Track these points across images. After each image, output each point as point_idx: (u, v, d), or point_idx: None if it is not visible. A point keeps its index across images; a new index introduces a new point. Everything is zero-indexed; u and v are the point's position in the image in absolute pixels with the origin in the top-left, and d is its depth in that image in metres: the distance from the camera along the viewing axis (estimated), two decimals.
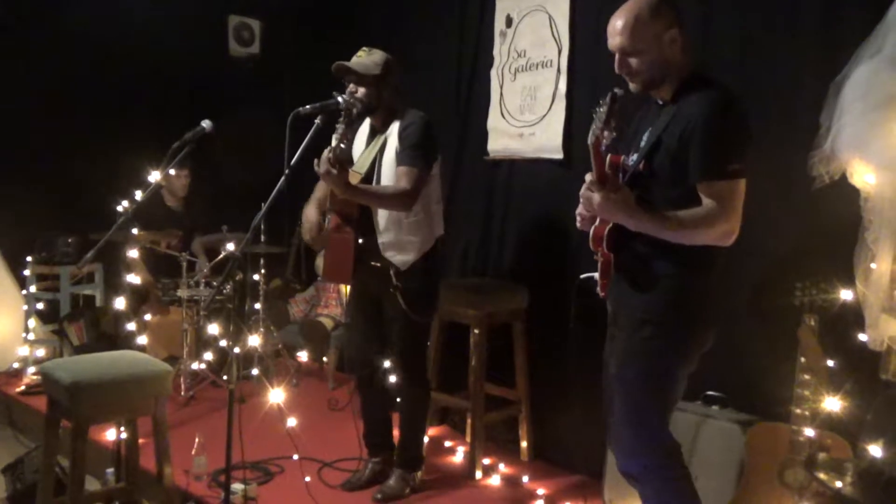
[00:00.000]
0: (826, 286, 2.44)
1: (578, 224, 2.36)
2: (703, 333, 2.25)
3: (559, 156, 3.81)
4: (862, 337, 2.33)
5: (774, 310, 2.60)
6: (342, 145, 2.81)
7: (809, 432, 2.40)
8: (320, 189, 3.29)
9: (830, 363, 2.44)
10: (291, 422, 3.36)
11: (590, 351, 2.63)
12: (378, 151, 3.09)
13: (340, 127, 2.83)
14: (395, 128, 3.05)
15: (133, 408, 2.90)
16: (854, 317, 2.37)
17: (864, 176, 2.20)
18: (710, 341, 2.27)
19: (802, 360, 2.43)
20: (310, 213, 3.29)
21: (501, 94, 4.18)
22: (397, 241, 3.01)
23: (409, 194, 2.92)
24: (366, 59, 3.03)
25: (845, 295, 2.40)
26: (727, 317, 2.43)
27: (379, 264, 3.05)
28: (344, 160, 2.86)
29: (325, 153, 2.81)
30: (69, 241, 4.97)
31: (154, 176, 3.39)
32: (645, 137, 2.27)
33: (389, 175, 3.02)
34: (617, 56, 2.25)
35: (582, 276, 2.53)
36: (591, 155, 2.12)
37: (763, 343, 2.81)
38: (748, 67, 3.00)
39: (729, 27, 3.09)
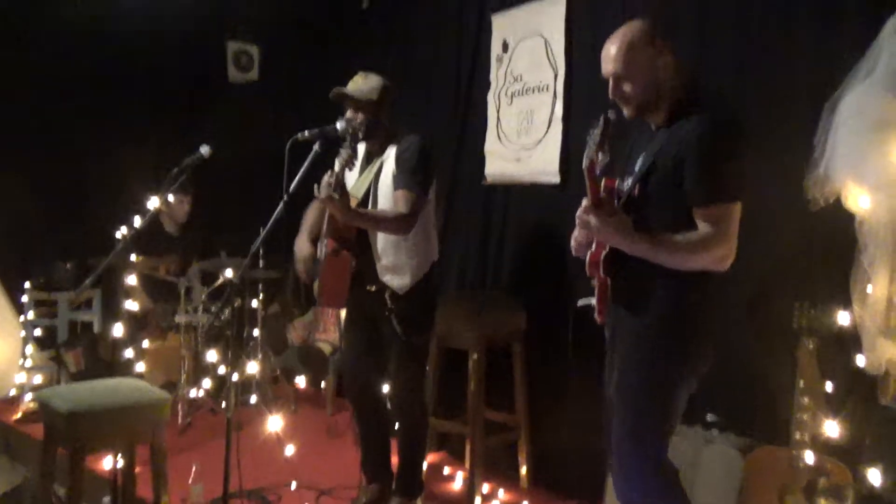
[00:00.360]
0: (823, 308, 2.44)
1: (574, 250, 2.36)
2: (701, 349, 2.24)
3: (556, 179, 3.82)
4: (860, 360, 2.32)
5: (772, 331, 2.59)
6: (348, 169, 2.83)
7: (809, 457, 2.39)
8: (309, 218, 3.29)
9: (829, 386, 2.43)
10: (289, 450, 3.34)
11: (589, 376, 2.62)
12: (374, 176, 3.10)
13: (345, 151, 2.84)
14: (391, 152, 3.06)
15: (130, 436, 2.88)
16: (852, 339, 2.36)
17: (858, 198, 2.21)
18: (709, 361, 2.26)
19: (801, 382, 2.42)
20: (301, 245, 3.26)
21: (498, 118, 4.21)
22: (395, 264, 3.02)
23: (408, 218, 2.93)
24: (362, 84, 3.05)
25: (843, 317, 2.40)
26: (725, 339, 2.42)
27: (374, 288, 3.05)
28: (343, 183, 2.87)
29: (326, 178, 2.82)
30: (67, 266, 4.97)
31: (153, 202, 3.40)
32: (639, 162, 2.28)
33: (386, 199, 3.03)
34: (611, 81, 2.27)
35: (579, 302, 2.53)
36: (585, 179, 2.13)
37: (762, 365, 2.80)
38: (743, 90, 3.02)
39: (724, 50, 3.12)
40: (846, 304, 2.35)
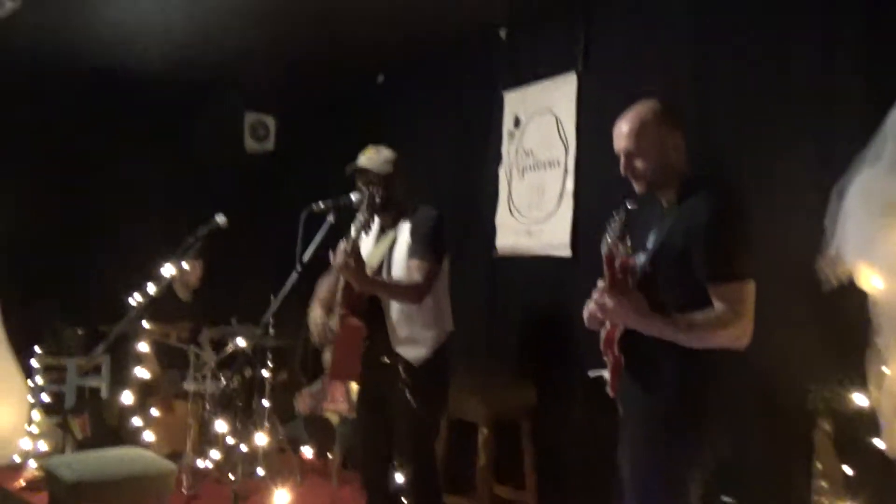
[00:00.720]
0: (840, 389, 2.41)
1: (586, 322, 2.36)
2: (717, 437, 2.20)
3: (567, 253, 3.85)
4: (878, 442, 2.28)
5: (788, 413, 2.56)
6: (364, 234, 2.84)
7: None
8: (323, 288, 3.29)
9: (847, 469, 2.38)
10: None
11: (600, 451, 2.58)
12: (388, 247, 3.12)
13: (361, 216, 2.86)
14: (405, 224, 3.09)
15: None
16: (869, 422, 2.33)
17: (871, 280, 2.21)
18: (725, 445, 2.22)
19: (819, 465, 2.38)
20: (316, 314, 3.27)
21: (510, 192, 4.26)
22: (411, 335, 3.00)
23: (422, 287, 2.93)
24: (376, 157, 3.09)
25: (859, 399, 2.37)
26: (740, 421, 2.39)
27: (388, 360, 3.02)
28: (359, 251, 2.88)
29: (341, 245, 2.84)
30: (78, 332, 4.99)
31: (167, 269, 3.43)
32: (651, 239, 2.29)
33: (400, 270, 3.04)
34: (622, 158, 2.30)
35: (591, 373, 2.51)
36: (603, 264, 2.15)
37: (777, 447, 2.75)
38: (750, 172, 3.06)
39: (727, 134, 3.17)
40: (862, 385, 2.33)
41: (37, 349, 4.90)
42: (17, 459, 4.63)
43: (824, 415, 2.40)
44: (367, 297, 3.01)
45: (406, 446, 3.03)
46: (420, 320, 3.00)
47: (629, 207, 2.10)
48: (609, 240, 2.10)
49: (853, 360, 2.35)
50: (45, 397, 4.91)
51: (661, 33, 3.52)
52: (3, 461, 4.65)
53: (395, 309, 3.02)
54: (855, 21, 2.80)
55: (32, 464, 4.45)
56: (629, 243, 2.10)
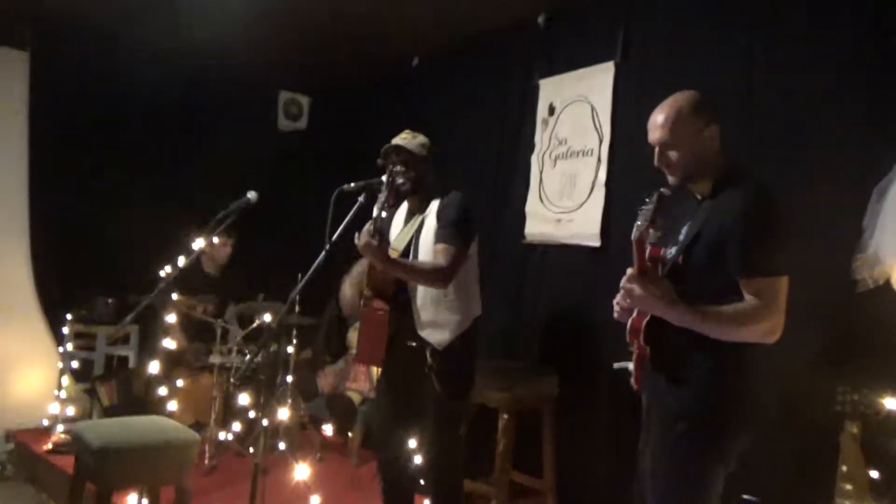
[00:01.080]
0: (869, 392, 2.38)
1: (616, 314, 2.34)
2: (740, 434, 2.18)
3: (596, 243, 3.82)
4: None
5: (814, 413, 2.53)
6: (383, 214, 2.84)
7: None
8: (357, 269, 3.30)
9: (873, 473, 2.35)
10: (314, 501, 3.30)
11: (622, 443, 2.57)
12: (416, 231, 3.12)
13: (383, 195, 2.86)
14: (433, 208, 3.08)
15: (158, 476, 2.89)
16: None
17: None
18: (748, 442, 2.20)
19: (843, 468, 2.35)
20: (346, 290, 3.29)
21: (541, 180, 4.24)
22: (435, 319, 2.99)
23: (446, 271, 2.92)
24: (412, 140, 3.10)
25: (889, 403, 2.33)
26: (765, 418, 2.36)
27: (414, 343, 3.02)
28: (384, 233, 2.88)
29: (367, 226, 2.84)
30: (108, 301, 5.07)
31: (198, 242, 3.46)
32: (684, 231, 2.27)
33: (426, 255, 3.04)
34: (657, 149, 2.27)
35: (615, 365, 2.49)
36: (633, 250, 2.12)
37: (802, 448, 2.72)
38: (789, 169, 3.01)
39: (771, 129, 3.12)
40: (893, 388, 2.29)
41: (69, 316, 4.98)
42: (46, 423, 4.74)
43: (852, 417, 2.37)
44: (394, 281, 3.01)
45: (431, 434, 3.03)
46: (446, 304, 3.00)
47: (664, 193, 2.06)
48: (640, 224, 2.08)
49: (885, 363, 2.31)
50: (75, 363, 5.00)
51: (705, 26, 3.47)
52: (32, 424, 4.78)
53: (421, 293, 3.01)
54: None
55: (60, 427, 4.54)
56: (659, 228, 2.07)
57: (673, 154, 2.24)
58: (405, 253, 3.12)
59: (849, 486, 2.32)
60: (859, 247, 2.28)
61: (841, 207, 2.69)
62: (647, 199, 2.08)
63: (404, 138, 3.10)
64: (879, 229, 2.19)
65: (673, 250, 2.27)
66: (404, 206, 3.26)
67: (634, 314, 2.26)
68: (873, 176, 2.44)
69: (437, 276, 2.93)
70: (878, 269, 2.21)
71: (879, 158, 2.47)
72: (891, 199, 2.20)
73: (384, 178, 2.95)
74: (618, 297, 2.29)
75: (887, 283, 2.23)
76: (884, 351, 2.35)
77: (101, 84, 5.19)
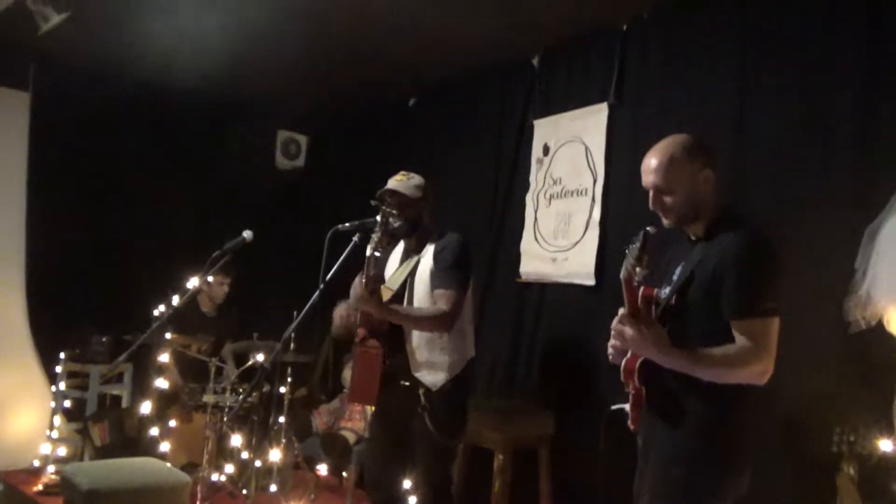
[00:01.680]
0: (865, 434, 2.36)
1: (610, 358, 2.34)
2: (737, 477, 2.16)
3: (591, 282, 3.83)
4: None
5: (811, 456, 2.51)
6: (377, 253, 2.83)
7: None
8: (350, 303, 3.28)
9: None
10: None
11: (618, 484, 2.54)
12: (411, 270, 3.12)
13: (376, 236, 2.86)
14: (429, 249, 3.09)
15: None
16: (895, 468, 2.28)
17: None
18: (745, 486, 2.18)
19: None
20: (340, 309, 3.27)
21: (536, 219, 4.26)
22: (430, 360, 2.99)
23: (449, 316, 2.92)
24: (406, 181, 3.11)
25: (885, 445, 2.32)
26: (762, 459, 2.35)
27: (408, 383, 3.01)
28: (377, 279, 2.88)
29: (358, 279, 2.83)
30: (103, 339, 5.04)
31: (193, 282, 3.46)
32: (678, 272, 2.27)
33: (421, 295, 3.04)
34: (651, 193, 2.29)
35: (613, 407, 2.48)
36: (623, 289, 2.13)
37: (799, 490, 2.70)
38: (780, 211, 3.03)
39: (762, 171, 3.15)
40: (889, 430, 2.28)
41: (62, 355, 4.95)
42: (37, 463, 4.68)
43: (848, 459, 2.35)
44: (388, 321, 3.00)
45: (421, 470, 3.01)
46: (440, 346, 2.99)
47: (649, 231, 2.07)
48: (627, 263, 2.08)
49: (880, 404, 2.31)
50: (67, 403, 4.96)
51: (696, 68, 3.52)
52: (23, 464, 4.72)
53: (414, 335, 3.01)
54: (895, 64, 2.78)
55: (51, 468, 4.49)
56: (647, 267, 2.07)
57: (668, 199, 2.24)
58: (400, 292, 3.12)
59: None
60: (852, 287, 2.28)
61: (833, 248, 2.71)
62: (634, 239, 2.09)
63: (399, 180, 3.10)
64: (871, 270, 2.20)
65: (666, 291, 2.27)
66: (400, 246, 3.27)
67: (629, 355, 2.25)
68: (865, 217, 2.45)
69: (440, 321, 2.92)
70: (870, 310, 2.22)
71: (870, 199, 2.49)
72: (882, 240, 2.21)
73: (378, 217, 2.96)
74: (611, 340, 2.29)
75: (880, 323, 2.24)
76: (879, 392, 2.34)
77: (100, 123, 5.23)
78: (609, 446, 3.14)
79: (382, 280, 3.18)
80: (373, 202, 2.91)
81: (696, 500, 2.14)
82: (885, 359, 2.27)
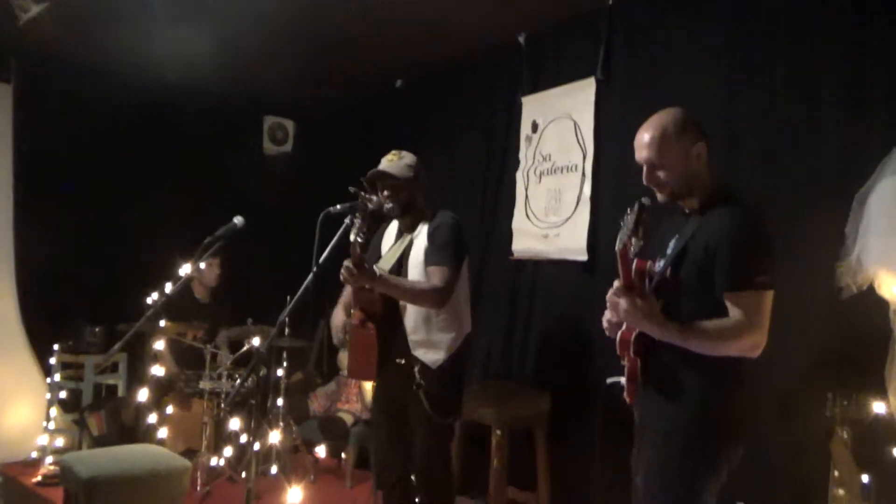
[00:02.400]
0: (858, 397, 2.40)
1: (606, 331, 2.35)
2: (732, 449, 2.18)
3: (583, 257, 3.84)
4: None
5: (805, 421, 2.54)
6: (359, 238, 2.81)
7: None
8: (347, 293, 3.29)
9: (865, 478, 2.36)
10: None
11: (615, 457, 2.57)
12: (405, 250, 3.12)
13: (358, 221, 2.84)
14: (423, 228, 3.09)
15: None
16: (888, 431, 2.31)
17: (892, 288, 2.19)
18: (739, 456, 2.21)
19: (836, 473, 2.36)
20: (336, 316, 3.28)
21: (527, 196, 4.26)
22: (428, 339, 3.00)
23: (442, 292, 2.93)
24: (398, 162, 3.10)
25: (878, 407, 2.35)
26: (757, 429, 2.38)
27: (403, 361, 3.02)
28: (363, 256, 2.86)
29: (346, 262, 2.83)
30: (96, 330, 5.03)
31: (185, 269, 3.45)
32: (671, 245, 2.28)
33: (416, 274, 3.04)
34: (644, 168, 2.29)
35: (609, 380, 2.50)
36: (618, 262, 2.13)
37: (794, 455, 2.74)
38: (771, 179, 3.04)
39: (753, 141, 3.16)
40: (881, 393, 2.31)
41: (55, 347, 4.95)
42: (34, 455, 4.68)
43: (842, 423, 2.38)
44: (381, 300, 3.00)
45: (420, 448, 3.04)
46: (437, 324, 3.00)
47: (644, 203, 2.08)
48: (622, 235, 2.09)
49: (872, 368, 2.33)
50: (63, 394, 4.96)
51: (684, 40, 3.52)
52: (21, 457, 4.73)
53: (412, 312, 3.02)
54: (882, 31, 2.79)
55: (49, 459, 4.49)
56: (642, 239, 2.07)
57: (661, 173, 2.24)
58: (394, 270, 3.11)
59: (841, 492, 2.33)
60: (842, 254, 2.30)
61: (823, 216, 2.73)
62: (629, 211, 2.09)
63: (390, 160, 3.09)
64: (861, 236, 2.23)
65: (660, 264, 2.28)
66: (394, 225, 3.27)
67: (624, 327, 2.27)
68: (854, 183, 2.47)
69: (433, 296, 2.93)
70: (860, 275, 2.24)
71: (859, 166, 2.50)
72: (871, 206, 2.23)
73: (361, 201, 2.93)
74: (606, 313, 2.30)
75: (870, 288, 2.26)
76: (871, 356, 2.37)
77: (85, 115, 5.19)
78: (606, 420, 3.17)
79: (378, 258, 3.19)
80: (351, 189, 2.88)
81: (692, 473, 2.16)
82: (877, 323, 2.30)
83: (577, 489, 3.62)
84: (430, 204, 3.16)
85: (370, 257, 3.14)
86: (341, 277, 2.83)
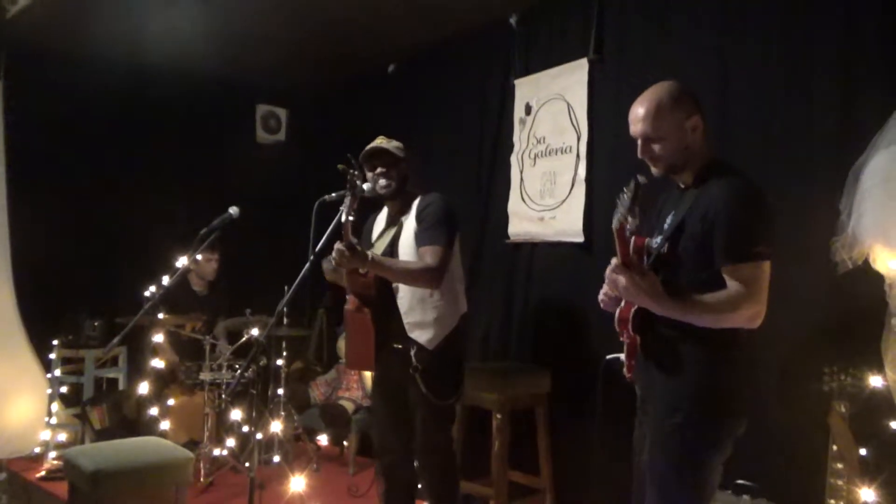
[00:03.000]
0: (855, 372, 2.40)
1: (602, 304, 2.35)
2: (735, 421, 2.19)
3: (580, 239, 3.84)
4: (894, 425, 2.27)
5: (803, 396, 2.55)
6: (350, 217, 2.80)
7: None
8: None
9: (863, 452, 2.37)
10: None
11: (617, 434, 2.58)
12: (395, 234, 3.12)
13: (347, 199, 2.83)
14: (412, 213, 3.09)
15: (154, 496, 2.88)
16: (886, 404, 2.32)
17: (887, 262, 2.20)
18: (743, 427, 2.22)
19: (834, 447, 2.38)
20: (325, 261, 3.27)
21: (522, 179, 4.26)
22: (423, 320, 3.00)
23: (437, 270, 2.92)
24: (388, 142, 3.12)
25: (875, 381, 2.36)
26: (756, 403, 2.38)
27: (401, 346, 3.03)
28: (357, 237, 2.86)
29: (337, 245, 2.82)
30: (95, 324, 5.03)
31: (182, 261, 3.45)
32: (668, 220, 2.28)
33: (407, 256, 3.04)
34: (640, 142, 2.28)
35: (608, 356, 2.51)
36: (615, 240, 2.13)
37: (793, 430, 2.75)
38: (766, 155, 3.04)
39: (747, 115, 3.15)
40: (878, 367, 2.32)
41: (55, 342, 4.95)
42: (37, 450, 4.70)
43: (840, 397, 2.39)
44: (375, 284, 2.99)
45: (421, 431, 3.05)
46: (432, 304, 3.00)
47: (640, 181, 2.07)
48: (619, 213, 2.09)
49: (869, 342, 2.34)
50: (64, 389, 4.97)
51: (676, 18, 3.50)
52: (24, 452, 4.74)
53: (406, 297, 3.02)
54: (876, 4, 2.77)
55: (52, 454, 4.51)
56: (638, 214, 2.07)
57: (656, 146, 2.24)
58: (385, 255, 3.11)
59: (840, 465, 2.35)
60: (837, 228, 2.30)
61: (819, 190, 2.73)
62: (625, 189, 2.09)
63: (380, 142, 3.11)
64: (856, 210, 2.22)
65: (658, 240, 2.28)
66: (384, 213, 3.27)
67: (622, 304, 2.27)
68: (849, 158, 2.47)
69: (428, 275, 2.92)
70: (856, 250, 2.24)
71: (854, 141, 2.50)
72: (866, 180, 2.23)
73: (364, 186, 2.93)
74: (604, 287, 2.30)
75: (866, 262, 2.26)
76: (868, 330, 2.37)
77: (77, 107, 5.16)
78: (606, 397, 3.19)
79: (370, 245, 3.18)
80: (340, 166, 2.86)
81: (696, 448, 2.17)
82: (873, 296, 2.31)
83: (580, 469, 3.64)
84: (417, 189, 3.17)
85: (362, 246, 3.14)
86: (333, 261, 2.82)
